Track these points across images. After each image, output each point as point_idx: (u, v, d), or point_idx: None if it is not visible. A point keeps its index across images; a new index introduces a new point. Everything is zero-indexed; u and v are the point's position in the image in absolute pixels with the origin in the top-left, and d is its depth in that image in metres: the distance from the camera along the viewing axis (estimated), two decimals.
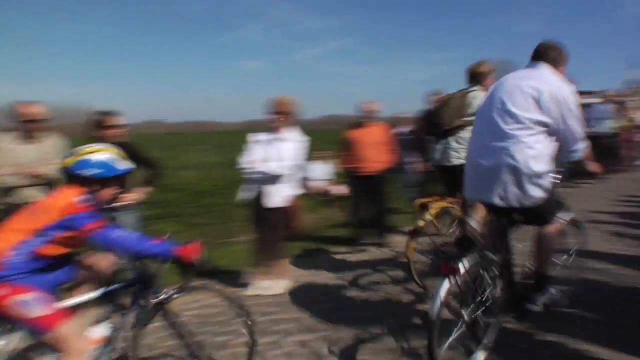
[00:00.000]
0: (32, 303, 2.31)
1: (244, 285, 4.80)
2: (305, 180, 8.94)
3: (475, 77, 4.80)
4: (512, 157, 3.08)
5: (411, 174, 8.45)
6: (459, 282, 2.95)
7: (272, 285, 4.62)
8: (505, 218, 3.38)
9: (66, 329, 2.36)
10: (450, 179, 4.81)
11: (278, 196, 4.54)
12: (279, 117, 4.53)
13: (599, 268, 5.01)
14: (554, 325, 3.76)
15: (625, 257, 5.41)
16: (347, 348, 3.55)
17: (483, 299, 3.18)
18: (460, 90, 4.84)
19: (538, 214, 3.32)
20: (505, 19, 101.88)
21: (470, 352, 3.19)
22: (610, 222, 7.08)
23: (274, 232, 4.59)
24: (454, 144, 4.76)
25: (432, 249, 4.74)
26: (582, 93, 14.30)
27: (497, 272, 3.29)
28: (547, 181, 3.20)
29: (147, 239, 2.59)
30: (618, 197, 9.05)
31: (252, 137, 4.67)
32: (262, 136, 4.63)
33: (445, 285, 2.90)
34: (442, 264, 3.03)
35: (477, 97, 4.55)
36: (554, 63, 3.35)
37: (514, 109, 3.12)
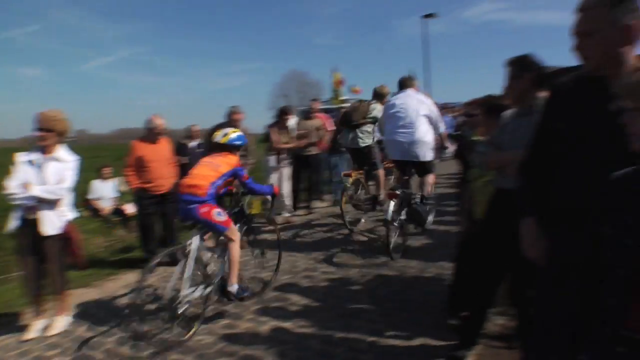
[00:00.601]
0: (220, 214, 4.02)
1: (21, 328, 4.11)
2: (92, 200, 8.26)
3: (379, 95, 7.35)
4: (418, 135, 5.86)
5: None
6: (395, 205, 5.61)
7: (50, 324, 4.04)
8: (408, 170, 6.22)
9: (232, 226, 4.14)
10: (358, 157, 7.47)
11: (52, 222, 3.99)
12: (46, 134, 3.97)
13: (388, 263, 5.48)
14: (345, 322, 3.96)
15: (410, 249, 6.00)
16: None
17: (405, 211, 5.90)
18: (367, 101, 7.43)
19: (426, 168, 6.22)
20: (303, 33, 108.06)
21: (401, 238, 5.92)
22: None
23: (51, 263, 4.02)
24: (359, 134, 7.21)
25: (352, 203, 7.52)
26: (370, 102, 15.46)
27: (407, 199, 5.98)
28: (431, 149, 6.00)
29: (259, 184, 4.73)
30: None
31: (19, 157, 4.04)
32: (32, 156, 4.02)
33: (391, 204, 5.55)
34: (388, 193, 5.81)
35: (376, 108, 7.17)
36: (414, 86, 6.31)
37: (414, 111, 5.92)
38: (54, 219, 4.01)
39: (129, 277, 5.49)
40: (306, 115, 8.92)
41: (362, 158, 7.37)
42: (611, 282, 1.37)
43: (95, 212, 8.31)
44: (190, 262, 3.85)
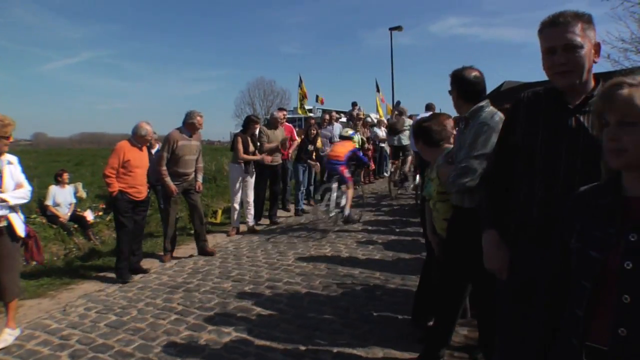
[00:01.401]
0: (348, 172, 7.95)
1: None
2: (50, 206, 8.01)
3: (402, 113, 12.12)
4: None
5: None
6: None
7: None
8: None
9: (351, 180, 8.05)
10: (399, 151, 11.60)
11: (21, 225, 3.93)
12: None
13: (352, 274, 5.48)
14: (309, 333, 3.93)
15: (374, 261, 6.03)
16: None
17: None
18: (400, 116, 11.97)
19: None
20: (269, 41, 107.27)
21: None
22: (358, 230, 7.86)
23: (8, 266, 3.85)
24: (401, 137, 11.43)
25: (395, 181, 11.29)
26: (337, 112, 15.60)
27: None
28: None
29: (364, 157, 9.32)
30: (364, 207, 10.07)
31: None
32: None
33: (418, 177, 8.60)
34: (417, 170, 8.92)
35: (405, 121, 11.65)
36: (434, 110, 9.69)
37: None
38: (20, 222, 3.97)
39: (87, 286, 5.33)
40: (272, 124, 8.82)
41: (402, 151, 11.45)
42: (577, 295, 1.39)
43: (52, 218, 8.05)
44: (333, 194, 7.72)
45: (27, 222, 4.18)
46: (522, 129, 2.07)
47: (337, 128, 11.52)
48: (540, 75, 2.01)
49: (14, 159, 4.01)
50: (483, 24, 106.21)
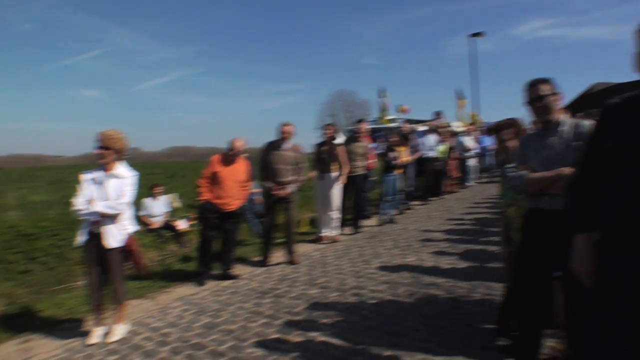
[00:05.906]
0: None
1: (83, 334, 4.35)
2: (146, 216, 8.57)
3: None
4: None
5: (257, 204, 8.53)
6: None
7: (110, 332, 4.29)
8: None
9: None
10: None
11: (114, 236, 4.28)
12: (106, 152, 4.24)
13: (436, 282, 5.46)
14: (393, 340, 3.97)
15: (458, 270, 5.97)
16: None
17: None
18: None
19: None
20: (350, 54, 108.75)
21: None
22: (442, 240, 7.81)
23: (113, 274, 4.30)
24: None
25: None
26: (416, 122, 15.61)
27: None
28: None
29: None
30: (447, 217, 9.97)
31: (84, 175, 4.33)
32: (94, 174, 4.31)
33: None
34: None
35: None
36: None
37: None
38: (116, 233, 4.31)
39: (182, 290, 5.70)
40: (354, 137, 8.98)
41: None
42: None
43: (146, 227, 8.58)
44: None
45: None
46: (613, 134, 2.01)
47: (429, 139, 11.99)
48: (633, 75, 1.96)
49: (128, 173, 4.39)
50: (571, 24, 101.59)
